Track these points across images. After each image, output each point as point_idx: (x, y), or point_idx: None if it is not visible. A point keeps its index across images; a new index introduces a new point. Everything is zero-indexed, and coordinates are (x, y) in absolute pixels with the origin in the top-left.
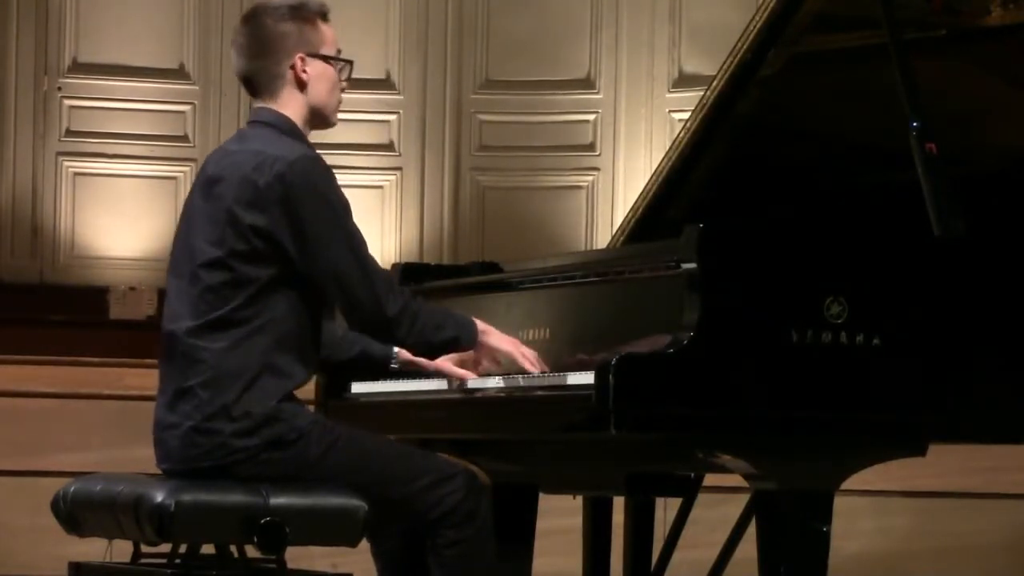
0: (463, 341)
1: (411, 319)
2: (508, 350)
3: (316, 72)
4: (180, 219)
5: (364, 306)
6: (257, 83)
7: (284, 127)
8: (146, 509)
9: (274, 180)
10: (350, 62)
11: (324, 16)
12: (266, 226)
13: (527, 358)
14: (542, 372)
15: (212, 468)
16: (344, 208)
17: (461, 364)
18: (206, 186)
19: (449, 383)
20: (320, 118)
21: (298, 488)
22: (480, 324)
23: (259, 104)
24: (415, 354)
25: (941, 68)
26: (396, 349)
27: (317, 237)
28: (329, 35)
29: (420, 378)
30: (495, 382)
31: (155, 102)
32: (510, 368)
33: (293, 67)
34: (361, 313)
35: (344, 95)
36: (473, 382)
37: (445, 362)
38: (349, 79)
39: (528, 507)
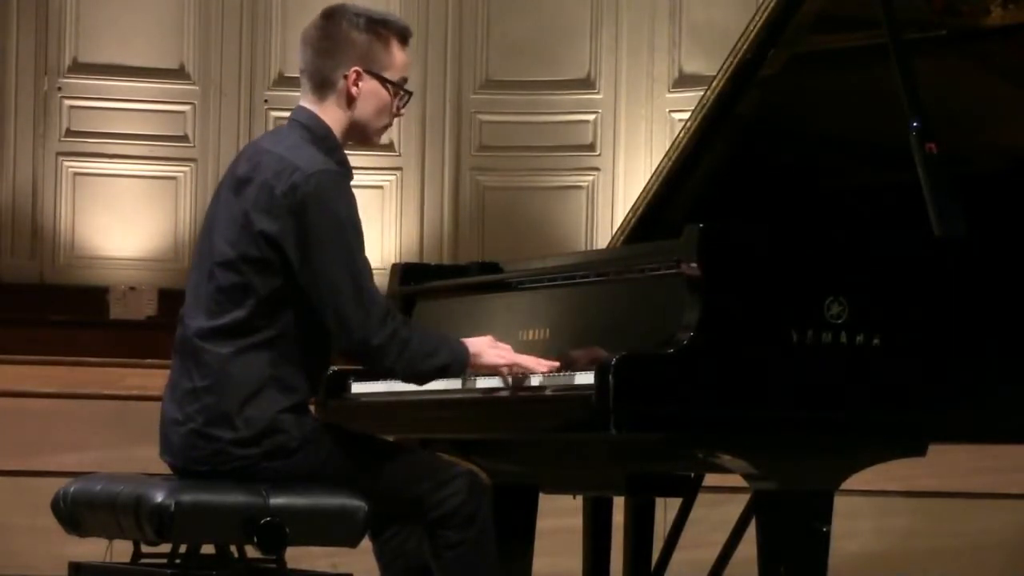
0: (452, 370)
1: (399, 348)
2: (503, 368)
3: (368, 90)
4: (207, 211)
5: (351, 329)
6: (310, 81)
7: (318, 132)
8: (146, 509)
9: (289, 190)
10: (409, 93)
11: (403, 39)
12: (275, 234)
13: (523, 366)
14: (545, 372)
15: (211, 473)
16: (353, 227)
17: None
18: (237, 184)
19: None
20: (360, 135)
21: (298, 488)
22: (472, 347)
23: (303, 103)
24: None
25: (941, 68)
26: None
27: (318, 249)
28: (399, 60)
29: None
30: (495, 382)
31: (155, 102)
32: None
33: (346, 78)
34: (348, 334)
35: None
36: (473, 382)
37: None
38: (403, 107)
39: (528, 507)
